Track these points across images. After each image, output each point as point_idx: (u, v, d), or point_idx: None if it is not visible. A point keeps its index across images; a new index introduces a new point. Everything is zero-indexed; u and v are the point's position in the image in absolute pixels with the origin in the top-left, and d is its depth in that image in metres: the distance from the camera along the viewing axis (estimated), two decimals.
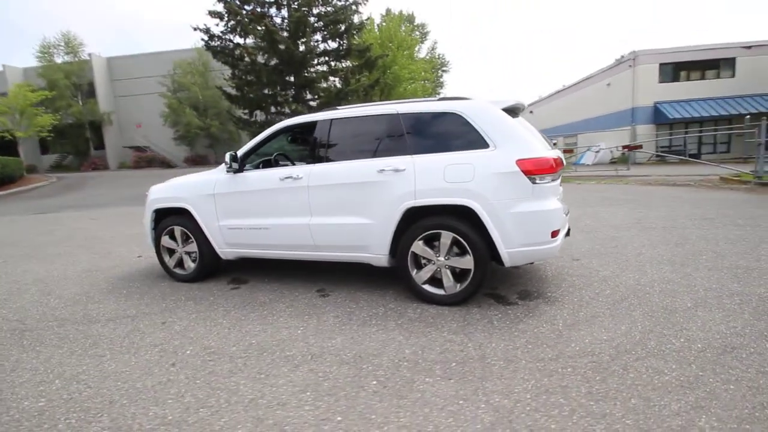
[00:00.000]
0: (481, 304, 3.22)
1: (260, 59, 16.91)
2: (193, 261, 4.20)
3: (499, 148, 3.03)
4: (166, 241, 4.25)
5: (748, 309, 2.94)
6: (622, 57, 24.65)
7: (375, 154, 3.40)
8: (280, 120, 18.58)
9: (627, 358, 2.35)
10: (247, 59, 16.73)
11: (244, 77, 17.65)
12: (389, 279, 3.90)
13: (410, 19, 28.64)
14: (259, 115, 18.29)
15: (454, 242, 3.13)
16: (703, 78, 23.73)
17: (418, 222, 3.20)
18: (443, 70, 31.98)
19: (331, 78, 18.48)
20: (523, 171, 2.96)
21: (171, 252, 4.30)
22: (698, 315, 2.87)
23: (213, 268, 4.27)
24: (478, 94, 3.53)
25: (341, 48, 17.90)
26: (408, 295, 3.48)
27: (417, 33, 28.80)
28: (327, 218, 3.48)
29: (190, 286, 4.11)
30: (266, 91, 17.91)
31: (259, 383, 2.27)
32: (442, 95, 3.25)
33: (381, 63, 19.44)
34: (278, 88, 17.82)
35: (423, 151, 3.23)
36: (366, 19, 17.45)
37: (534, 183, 2.97)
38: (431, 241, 3.22)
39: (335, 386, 2.21)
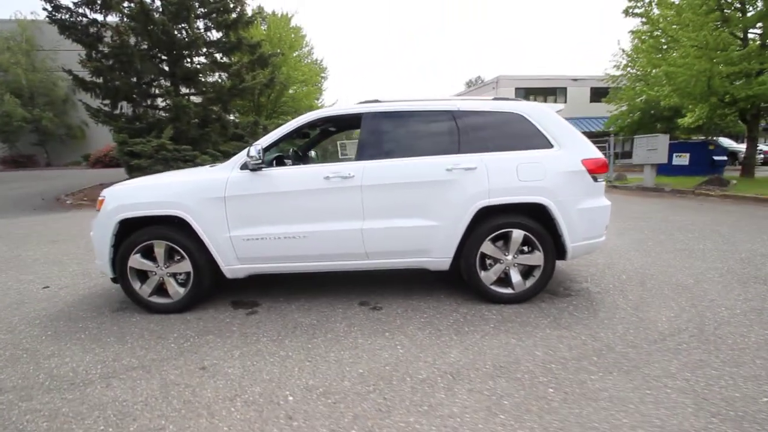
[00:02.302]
0: (544, 299, 3.30)
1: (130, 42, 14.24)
2: (182, 284, 3.27)
3: (563, 149, 3.18)
4: (137, 261, 3.21)
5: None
6: (480, 79, 28.47)
7: (431, 151, 3.19)
8: (154, 114, 15.81)
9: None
10: (109, 40, 13.97)
11: (103, 61, 14.69)
12: (420, 282, 3.69)
13: (286, 21, 27.88)
14: (126, 108, 15.42)
15: (524, 240, 3.15)
16: (545, 101, 29.10)
17: (486, 221, 3.12)
18: (322, 77, 31.87)
19: (219, 73, 16.68)
20: (587, 170, 3.15)
21: (144, 276, 3.27)
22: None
23: (209, 292, 3.40)
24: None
25: (229, 40, 16.30)
26: (466, 297, 3.36)
27: (293, 36, 28.23)
28: (384, 222, 3.12)
29: (179, 317, 3.19)
30: (135, 80, 15.20)
31: (434, 418, 1.89)
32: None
33: (273, 62, 18.41)
34: (152, 77, 15.31)
35: (485, 149, 3.16)
36: (258, 13, 16.28)
37: (596, 181, 3.20)
38: (496, 240, 3.18)
39: (518, 402, 1.99)
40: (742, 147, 17.92)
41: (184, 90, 16.29)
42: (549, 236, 3.15)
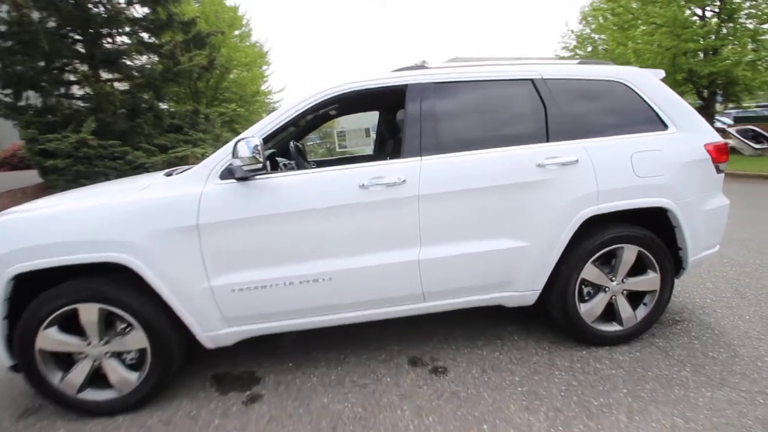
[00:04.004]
0: (653, 333, 2.47)
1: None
2: (133, 367, 2.06)
3: (682, 130, 2.32)
4: (51, 339, 1.95)
5: None
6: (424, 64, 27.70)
7: (509, 139, 2.20)
8: (70, 105, 13.50)
9: None
10: (5, 14, 11.48)
11: None
12: (468, 315, 2.72)
13: None
14: (34, 98, 12.96)
15: (637, 258, 2.28)
16: None
17: (590, 236, 2.20)
18: (265, 61, 29.63)
19: (149, 55, 14.48)
20: (711, 158, 2.32)
21: (68, 360, 2.03)
22: None
23: (175, 375, 2.19)
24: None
25: (157, 17, 14.14)
26: (547, 335, 2.47)
27: (231, 13, 25.71)
28: (450, 247, 2.10)
29: (131, 420, 2.00)
30: (43, 65, 12.77)
31: None
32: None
33: (212, 42, 16.39)
34: (64, 61, 12.94)
35: (584, 134, 2.23)
36: None
37: (719, 172, 2.38)
38: (600, 261, 2.28)
39: None
40: None
41: (106, 75, 13.92)
42: (668, 250, 2.29)
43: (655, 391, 1.95)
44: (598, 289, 2.31)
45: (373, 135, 4.79)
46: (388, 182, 2.01)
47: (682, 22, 10.73)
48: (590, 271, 2.24)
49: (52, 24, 12.34)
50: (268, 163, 2.33)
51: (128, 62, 14.33)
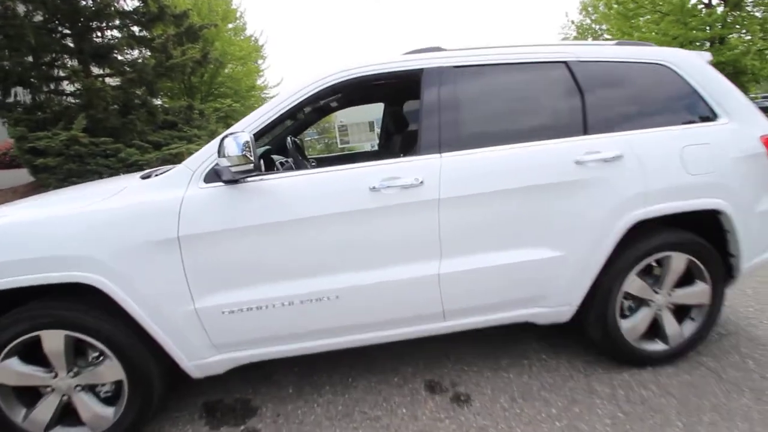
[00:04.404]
0: (700, 351, 2.19)
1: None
2: (109, 401, 1.78)
3: (733, 120, 2.02)
4: (10, 371, 1.67)
5: None
6: None
7: (542, 132, 1.91)
8: (60, 101, 13.19)
9: None
10: None
11: None
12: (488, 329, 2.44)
13: None
14: (23, 94, 12.61)
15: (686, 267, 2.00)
16: None
17: (635, 244, 1.91)
18: (261, 55, 29.17)
19: (140, 49, 14.09)
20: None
21: (33, 395, 1.74)
22: None
23: (157, 407, 1.90)
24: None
25: (148, 10, 13.75)
26: (579, 353, 2.19)
27: (224, 6, 25.26)
28: (475, 258, 1.81)
29: None
30: (31, 60, 12.43)
31: None
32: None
33: (205, 35, 16.00)
34: (53, 56, 12.59)
35: (626, 125, 1.93)
36: None
37: None
38: (644, 272, 2.00)
39: None
40: None
41: (97, 71, 13.55)
42: (720, 258, 2.01)
43: (715, 425, 1.68)
44: (640, 303, 2.03)
45: (378, 129, 4.48)
46: (404, 184, 1.72)
47: (689, 11, 10.42)
48: (633, 283, 1.96)
49: (38, 18, 11.96)
50: (261, 162, 2.03)
51: (119, 57, 13.97)
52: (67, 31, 12.49)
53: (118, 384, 1.74)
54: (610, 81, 1.95)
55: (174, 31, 14.31)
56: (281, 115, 1.80)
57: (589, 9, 16.44)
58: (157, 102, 14.97)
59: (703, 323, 2.07)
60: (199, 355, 1.75)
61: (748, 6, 11.58)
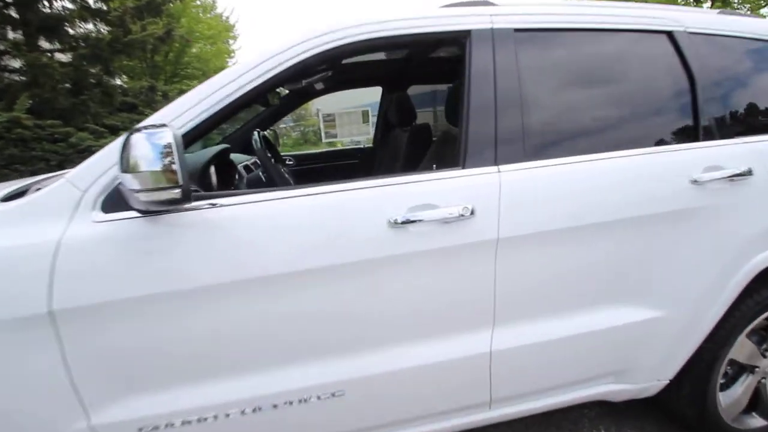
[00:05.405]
0: None
1: None
2: None
3: None
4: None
5: None
6: None
7: (637, 135, 1.33)
8: (1, 78, 11.98)
9: None
10: None
11: None
12: None
13: None
14: None
15: None
16: None
17: (753, 294, 1.38)
18: (231, 35, 27.71)
19: (94, 21, 12.83)
20: None
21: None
22: None
23: None
24: None
25: None
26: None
27: None
28: (543, 325, 1.25)
29: None
30: None
31: None
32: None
33: (168, 10, 14.86)
34: None
35: (749, 128, 1.39)
36: None
37: None
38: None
39: None
40: None
41: (45, 45, 12.22)
42: None
43: None
44: (741, 369, 1.51)
45: (373, 119, 3.82)
46: (444, 217, 1.10)
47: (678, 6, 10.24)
48: (742, 347, 1.44)
49: None
50: (212, 171, 1.36)
51: (70, 30, 12.68)
52: (10, 0, 11.15)
53: None
54: (727, 63, 1.38)
55: (133, 3, 13.13)
56: (239, 98, 1.13)
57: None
58: (116, 82, 13.80)
59: None
60: None
61: (734, 2, 11.51)
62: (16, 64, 11.22)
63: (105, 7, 12.83)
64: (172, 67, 17.81)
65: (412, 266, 1.13)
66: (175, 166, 0.88)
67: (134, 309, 1.00)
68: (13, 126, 9.49)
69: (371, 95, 3.55)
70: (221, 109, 1.10)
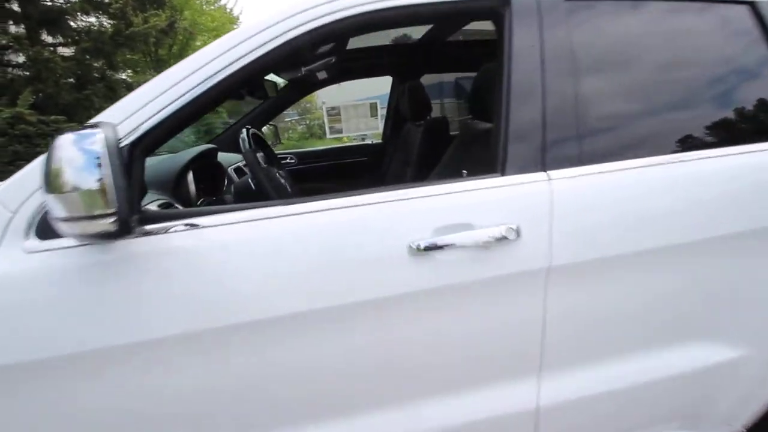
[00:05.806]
0: None
1: None
2: None
3: None
4: None
5: None
6: None
7: (713, 129, 1.05)
8: (3, 73, 12.01)
9: None
10: None
11: None
12: None
13: None
14: None
15: None
16: None
17: None
18: (235, 28, 27.51)
19: (96, 14, 12.83)
20: None
21: None
22: None
23: None
24: None
25: None
26: None
27: None
28: (600, 371, 0.97)
29: None
30: None
31: None
32: None
33: (172, 2, 14.78)
34: None
35: None
36: None
37: None
38: None
39: None
40: None
41: (47, 39, 12.22)
42: None
43: None
44: None
45: (382, 113, 3.54)
46: (482, 239, 0.84)
47: None
48: None
49: None
50: (190, 178, 1.11)
51: (72, 23, 12.67)
52: None
53: None
54: None
55: None
56: (212, 88, 0.86)
57: None
58: (120, 76, 13.78)
59: None
60: None
61: None
62: (19, 59, 11.19)
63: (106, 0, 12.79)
64: (177, 61, 17.76)
65: (440, 305, 0.89)
66: (107, 184, 0.65)
67: (76, 365, 0.77)
68: (17, 122, 9.52)
69: (380, 86, 3.30)
70: (186, 103, 0.83)
